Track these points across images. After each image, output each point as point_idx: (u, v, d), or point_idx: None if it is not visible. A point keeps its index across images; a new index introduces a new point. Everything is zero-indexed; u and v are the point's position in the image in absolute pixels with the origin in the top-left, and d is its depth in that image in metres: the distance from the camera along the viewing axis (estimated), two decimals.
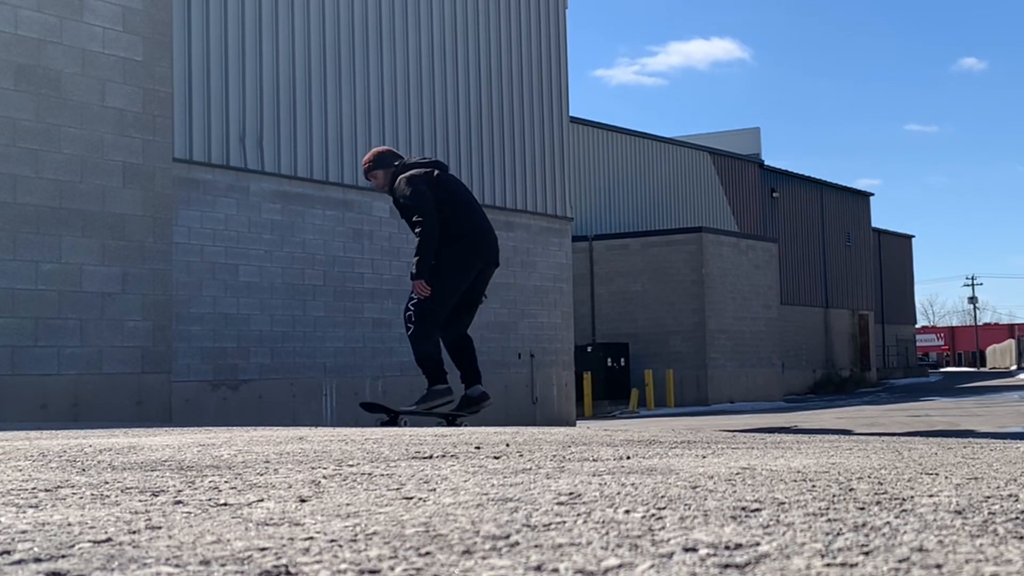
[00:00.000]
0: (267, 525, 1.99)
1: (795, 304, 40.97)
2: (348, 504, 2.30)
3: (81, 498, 2.48)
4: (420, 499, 2.36)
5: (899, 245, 56.21)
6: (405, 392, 13.41)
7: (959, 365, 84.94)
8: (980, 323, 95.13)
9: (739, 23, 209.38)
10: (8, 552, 1.72)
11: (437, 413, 8.21)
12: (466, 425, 8.06)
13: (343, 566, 1.59)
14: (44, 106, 9.74)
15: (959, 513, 2.04)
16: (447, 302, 7.86)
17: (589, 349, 29.19)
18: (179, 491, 2.60)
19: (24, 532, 1.93)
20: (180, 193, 10.91)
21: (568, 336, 16.18)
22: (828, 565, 1.54)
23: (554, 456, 3.56)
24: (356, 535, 1.85)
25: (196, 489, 2.64)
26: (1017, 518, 1.96)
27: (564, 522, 1.97)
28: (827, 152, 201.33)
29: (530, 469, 3.07)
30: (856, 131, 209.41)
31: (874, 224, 50.53)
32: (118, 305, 10.16)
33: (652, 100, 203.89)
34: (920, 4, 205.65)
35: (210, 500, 2.41)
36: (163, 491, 2.61)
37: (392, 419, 8.14)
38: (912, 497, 2.29)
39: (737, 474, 2.84)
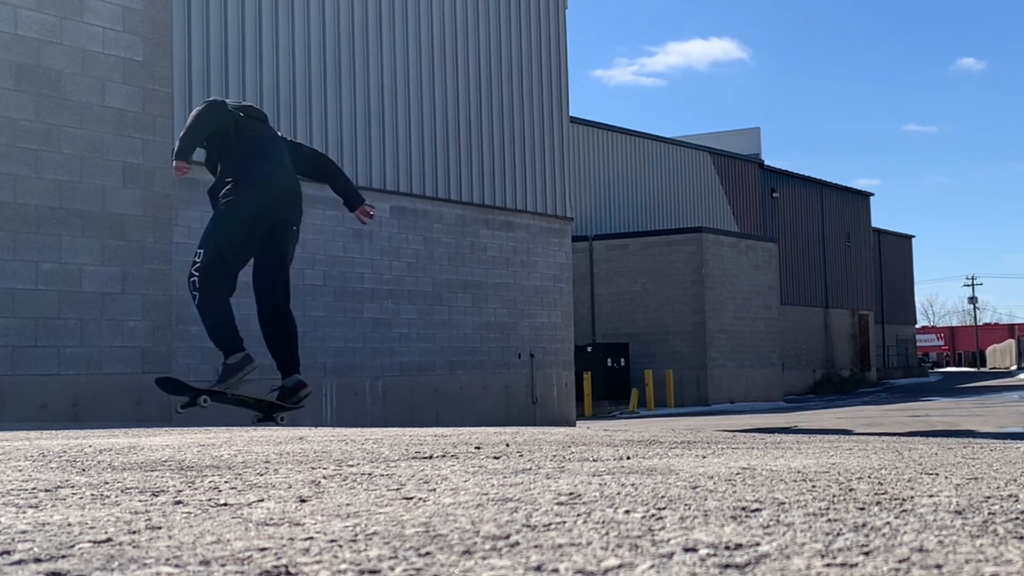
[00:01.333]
0: (267, 525, 1.99)
1: (795, 304, 40.97)
2: (348, 504, 2.30)
3: (81, 498, 2.48)
4: (420, 499, 2.37)
5: (899, 245, 56.20)
6: (404, 392, 13.42)
7: (959, 365, 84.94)
8: (980, 323, 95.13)
9: (737, 23, 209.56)
10: (8, 552, 1.72)
11: (250, 405, 7.56)
12: (284, 423, 7.36)
13: (343, 566, 1.59)
14: (44, 106, 9.74)
15: (959, 513, 2.04)
16: (229, 252, 7.26)
17: (589, 349, 29.19)
18: (179, 491, 2.60)
19: (24, 532, 1.93)
20: (180, 193, 10.91)
21: (568, 336, 16.18)
22: (828, 565, 1.54)
23: (554, 456, 3.56)
24: (356, 535, 1.85)
25: (196, 489, 2.64)
26: (1017, 518, 1.96)
27: (564, 522, 1.97)
28: (826, 152, 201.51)
29: (530, 469, 3.08)
30: (855, 131, 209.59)
31: (874, 224, 50.54)
32: (118, 305, 10.16)
33: (651, 100, 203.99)
34: (918, 4, 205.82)
35: (210, 500, 2.41)
36: (163, 491, 2.61)
37: (192, 400, 7.37)
38: (912, 497, 2.29)
39: (737, 474, 2.84)
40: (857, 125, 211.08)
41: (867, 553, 1.63)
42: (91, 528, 1.98)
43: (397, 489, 2.59)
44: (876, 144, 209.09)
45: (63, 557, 1.68)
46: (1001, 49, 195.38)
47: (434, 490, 2.55)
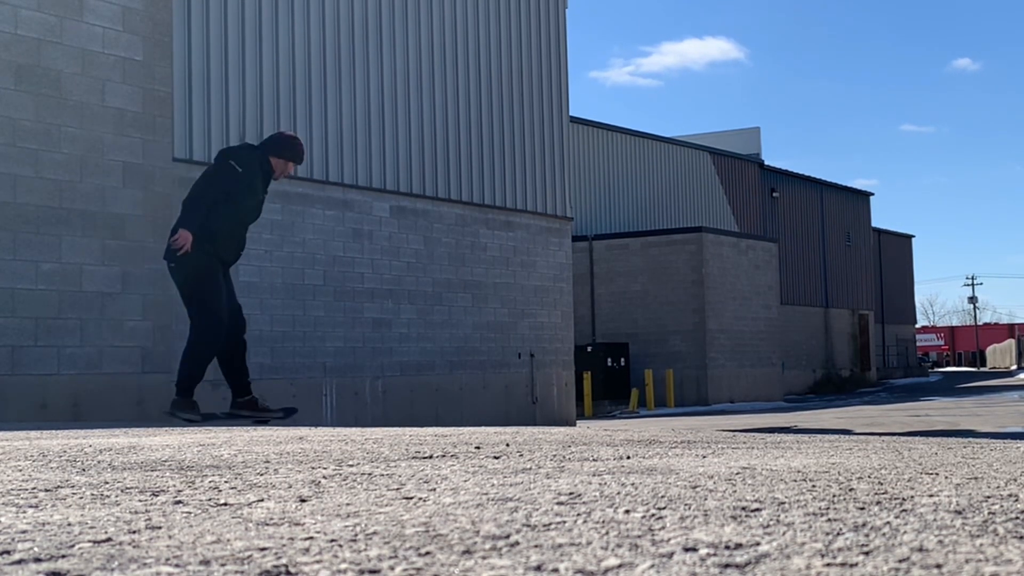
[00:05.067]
0: (267, 525, 1.99)
1: (795, 304, 40.97)
2: (348, 504, 2.30)
3: (81, 498, 2.48)
4: (420, 499, 2.37)
5: (899, 245, 56.19)
6: (404, 392, 13.42)
7: (959, 365, 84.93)
8: (980, 323, 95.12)
9: (731, 23, 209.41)
10: (8, 552, 1.72)
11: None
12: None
13: (343, 566, 1.59)
14: (44, 106, 9.74)
15: (959, 513, 2.04)
16: None
17: (589, 349, 29.18)
18: (179, 491, 2.60)
19: (24, 532, 1.93)
20: (180, 193, 10.88)
21: (568, 336, 16.18)
22: (828, 565, 1.54)
23: (554, 456, 3.56)
24: (356, 535, 1.85)
25: (196, 489, 2.64)
26: (1017, 518, 1.96)
27: (564, 522, 1.97)
28: (823, 153, 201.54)
29: (530, 469, 3.08)
30: (851, 132, 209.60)
31: (873, 224, 50.52)
32: (118, 305, 10.16)
33: (648, 101, 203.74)
34: (913, 5, 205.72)
35: (210, 500, 2.41)
36: (163, 491, 2.61)
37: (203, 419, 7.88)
38: (912, 497, 2.29)
39: (737, 474, 2.84)
40: (853, 126, 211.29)
41: (867, 553, 1.63)
42: (91, 528, 1.98)
43: (397, 489, 2.59)
44: (873, 145, 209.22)
45: (63, 557, 1.68)
46: (996, 50, 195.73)
47: (434, 490, 2.55)
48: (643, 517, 2.01)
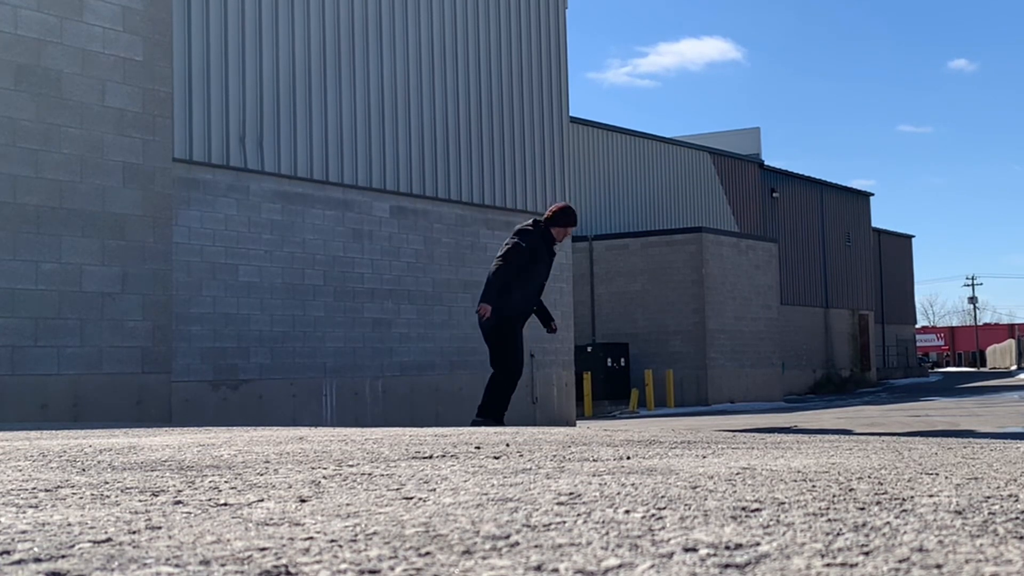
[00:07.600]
0: (267, 525, 1.99)
1: (795, 304, 40.97)
2: (348, 504, 2.30)
3: (81, 498, 2.48)
4: (420, 499, 2.37)
5: (899, 245, 56.20)
6: (404, 392, 13.43)
7: (959, 365, 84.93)
8: (980, 323, 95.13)
9: (729, 24, 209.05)
10: (8, 552, 1.72)
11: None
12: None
13: (343, 566, 1.59)
14: (44, 106, 9.74)
15: (959, 513, 2.04)
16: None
17: (589, 349, 29.18)
18: (179, 491, 2.60)
19: (24, 532, 1.93)
20: (180, 193, 10.91)
21: (568, 336, 16.18)
22: (828, 565, 1.54)
23: (554, 456, 3.56)
24: (356, 535, 1.85)
25: (196, 489, 2.64)
26: (1017, 518, 1.96)
27: (564, 522, 1.97)
28: (821, 153, 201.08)
29: (530, 469, 3.08)
30: (849, 133, 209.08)
31: (873, 224, 50.53)
32: (118, 305, 10.16)
33: (646, 102, 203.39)
34: (910, 5, 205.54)
35: (210, 500, 2.41)
36: (163, 491, 2.61)
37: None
38: (912, 497, 2.29)
39: (737, 474, 2.84)
40: (850, 127, 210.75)
41: (867, 553, 1.63)
42: (91, 528, 1.98)
43: (397, 489, 2.59)
44: (870, 145, 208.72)
45: (63, 557, 1.68)
46: (993, 50, 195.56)
47: (434, 490, 2.55)
48: (643, 517, 2.01)
